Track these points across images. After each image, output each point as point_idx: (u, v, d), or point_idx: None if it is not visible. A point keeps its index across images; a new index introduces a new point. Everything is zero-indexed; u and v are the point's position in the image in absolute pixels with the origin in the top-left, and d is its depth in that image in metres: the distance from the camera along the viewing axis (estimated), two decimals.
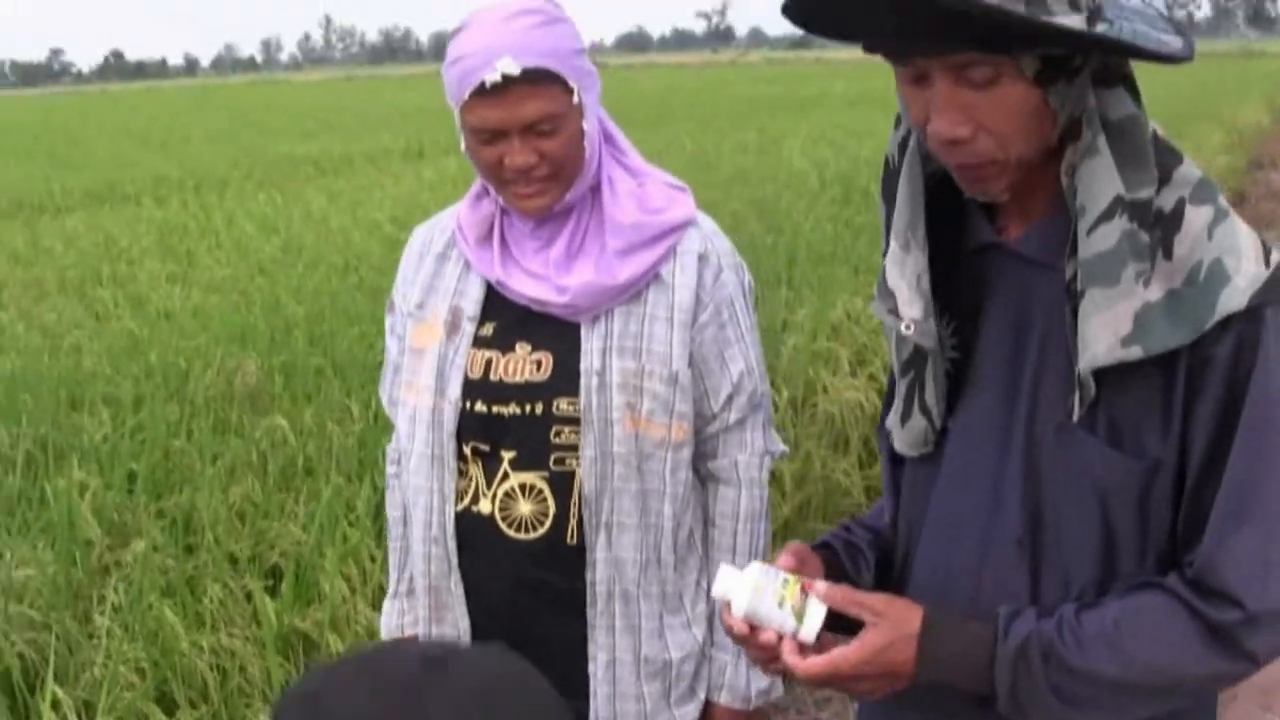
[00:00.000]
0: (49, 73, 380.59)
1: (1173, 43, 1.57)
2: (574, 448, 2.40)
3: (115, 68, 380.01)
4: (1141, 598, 1.64)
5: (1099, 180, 1.59)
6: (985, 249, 1.77)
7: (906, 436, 1.88)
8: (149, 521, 5.04)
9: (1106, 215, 1.58)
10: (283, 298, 9.65)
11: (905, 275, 1.76)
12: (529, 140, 2.28)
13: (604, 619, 2.47)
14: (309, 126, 36.17)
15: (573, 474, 2.40)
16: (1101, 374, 1.61)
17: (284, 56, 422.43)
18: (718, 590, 1.84)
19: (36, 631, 4.17)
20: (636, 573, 2.43)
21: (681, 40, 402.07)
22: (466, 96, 2.26)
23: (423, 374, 2.47)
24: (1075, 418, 1.65)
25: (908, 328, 1.75)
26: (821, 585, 1.77)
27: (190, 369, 7.38)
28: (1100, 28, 1.50)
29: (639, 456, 2.40)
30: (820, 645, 1.76)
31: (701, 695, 2.58)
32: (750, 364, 2.49)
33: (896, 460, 1.96)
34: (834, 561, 1.98)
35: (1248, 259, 1.58)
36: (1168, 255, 1.60)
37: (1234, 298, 1.56)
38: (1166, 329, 1.58)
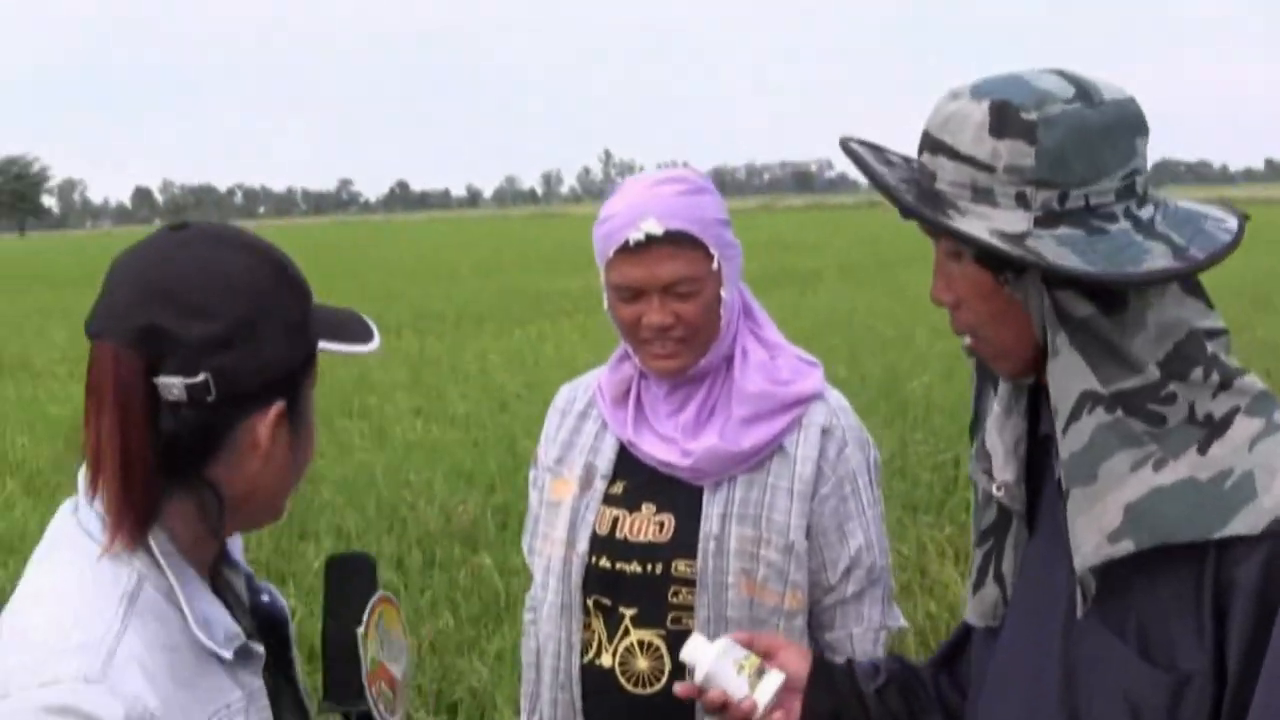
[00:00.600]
0: (338, 202, 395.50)
1: (1166, 258, 1.53)
2: (690, 608, 2.48)
3: (400, 198, 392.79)
4: None
5: (1063, 379, 1.58)
6: (1047, 439, 1.75)
7: (978, 606, 1.88)
8: None
9: (1074, 414, 1.58)
10: (518, 435, 9.93)
11: (1004, 439, 1.76)
12: (667, 301, 2.40)
13: None
14: (579, 261, 36.96)
15: (688, 633, 2.42)
16: (1129, 578, 1.60)
17: (564, 189, 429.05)
18: (685, 654, 2.01)
19: None
20: None
21: None
22: (611, 254, 2.40)
23: (558, 526, 2.60)
24: (1079, 614, 1.64)
25: (999, 489, 1.77)
26: (772, 673, 1.96)
27: (415, 503, 7.71)
28: (1056, 231, 1.52)
29: (753, 621, 2.46)
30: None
31: None
32: (870, 539, 2.54)
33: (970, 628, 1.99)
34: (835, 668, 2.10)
35: None
36: (1202, 452, 1.54)
37: (1252, 518, 1.51)
38: (1169, 522, 1.54)
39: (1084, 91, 1.53)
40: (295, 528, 7.24)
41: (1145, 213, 1.56)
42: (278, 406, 1.55)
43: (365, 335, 1.68)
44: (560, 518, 2.59)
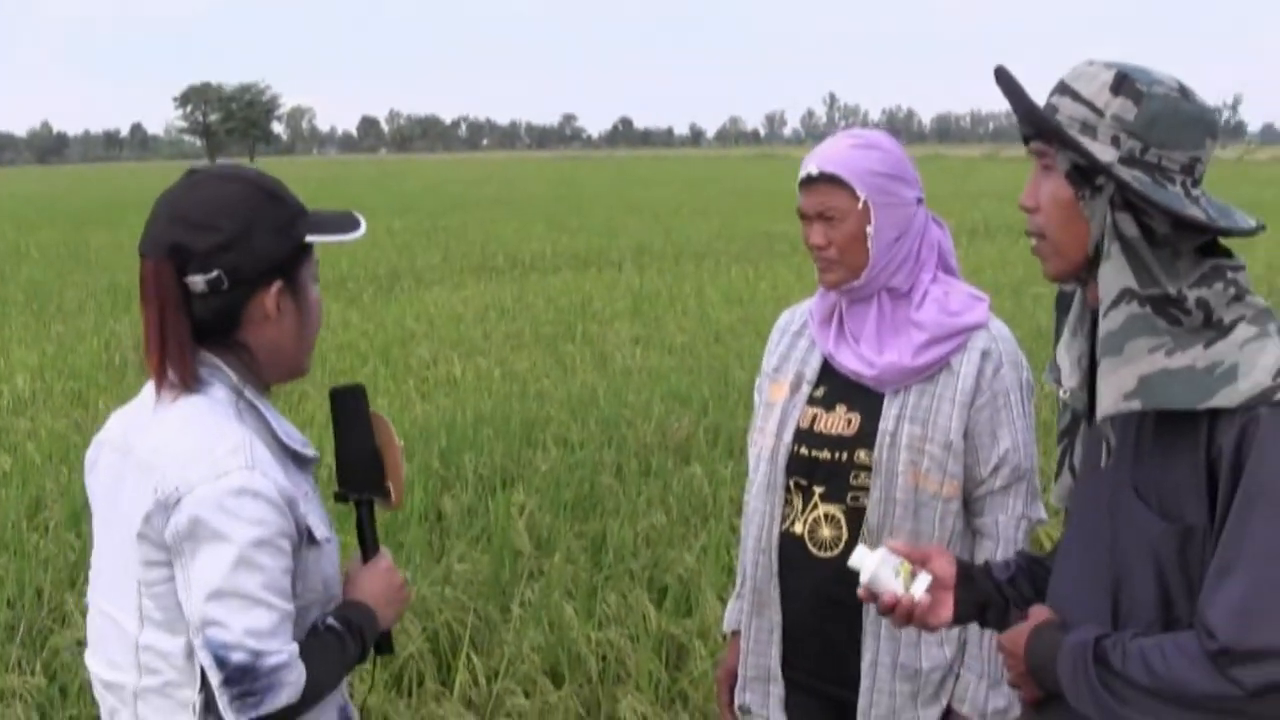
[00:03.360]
0: (561, 136, 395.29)
1: (1200, 215, 1.99)
2: (866, 489, 2.96)
3: (623, 134, 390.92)
4: (1180, 635, 1.97)
5: (1111, 276, 2.04)
6: None
7: (1059, 490, 2.40)
8: (570, 540, 5.96)
9: (1115, 302, 2.03)
10: (731, 365, 10.44)
11: (1070, 354, 2.21)
12: (821, 226, 2.95)
13: (873, 627, 3.01)
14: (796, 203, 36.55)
15: (863, 509, 2.96)
16: (1150, 450, 2.09)
17: (787, 131, 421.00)
18: (852, 561, 2.44)
19: (464, 612, 5.14)
20: None
21: None
22: (797, 188, 2.99)
23: (770, 421, 3.11)
24: (1102, 464, 2.17)
25: (1066, 392, 2.22)
26: (922, 575, 2.39)
27: (633, 420, 8.32)
28: (1133, 170, 2.00)
29: (915, 504, 2.94)
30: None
31: (944, 702, 3.05)
32: (1017, 443, 2.93)
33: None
34: (981, 572, 2.50)
35: (1260, 371, 1.94)
36: (1206, 348, 1.99)
37: (1230, 396, 1.94)
38: (1169, 394, 1.98)
39: (1184, 90, 2.05)
40: (524, 436, 7.88)
41: (1195, 191, 2.05)
42: (277, 285, 2.22)
43: (352, 227, 2.32)
44: (773, 414, 3.10)
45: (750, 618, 3.17)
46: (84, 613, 5.05)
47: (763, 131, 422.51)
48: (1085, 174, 2.07)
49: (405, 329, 13.04)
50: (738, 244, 22.78)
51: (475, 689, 4.67)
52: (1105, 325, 2.06)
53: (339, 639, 2.27)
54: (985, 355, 2.95)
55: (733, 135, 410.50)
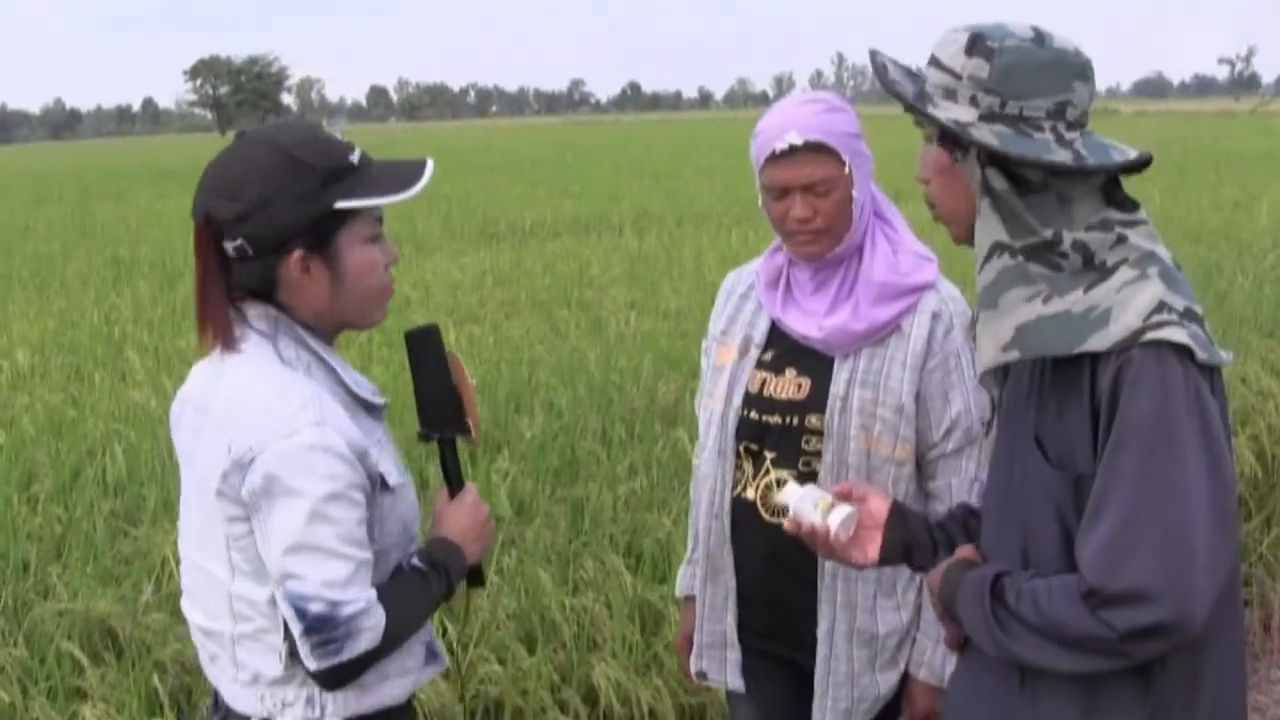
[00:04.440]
0: (570, 102, 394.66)
1: (1065, 158, 2.05)
2: (818, 454, 2.98)
3: (631, 99, 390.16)
4: (1067, 576, 2.05)
5: (982, 232, 2.14)
6: None
7: (989, 447, 2.43)
8: (551, 506, 5.99)
9: (987, 258, 2.13)
10: None
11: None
12: (807, 198, 2.90)
13: (829, 593, 3.03)
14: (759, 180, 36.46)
15: (815, 474, 2.98)
16: (1049, 405, 2.12)
17: (795, 92, 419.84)
18: (779, 497, 2.53)
19: None
20: None
21: (1203, 87, 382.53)
22: (762, 161, 2.93)
23: (720, 386, 3.13)
24: (994, 415, 2.28)
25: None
26: (843, 506, 2.45)
27: (622, 385, 8.34)
28: (993, 126, 2.07)
29: (868, 468, 2.96)
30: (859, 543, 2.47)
31: (902, 667, 3.09)
32: (968, 405, 2.96)
33: None
34: (909, 510, 2.56)
35: (1132, 313, 1.99)
36: (1085, 292, 2.05)
37: (1102, 339, 2.00)
38: (1043, 340, 2.05)
39: (1039, 37, 2.11)
40: (512, 403, 7.90)
41: (1070, 135, 2.11)
42: (296, 253, 2.28)
43: (403, 186, 2.35)
44: (722, 379, 3.12)
45: (704, 584, 3.21)
46: (68, 585, 5.16)
47: (771, 93, 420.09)
48: (952, 138, 2.14)
49: (401, 296, 13.00)
50: (739, 206, 22.57)
51: (450, 656, 4.68)
52: (980, 280, 2.15)
53: (422, 578, 2.39)
54: (936, 317, 2.96)
55: (741, 97, 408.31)
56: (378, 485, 2.31)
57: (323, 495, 2.19)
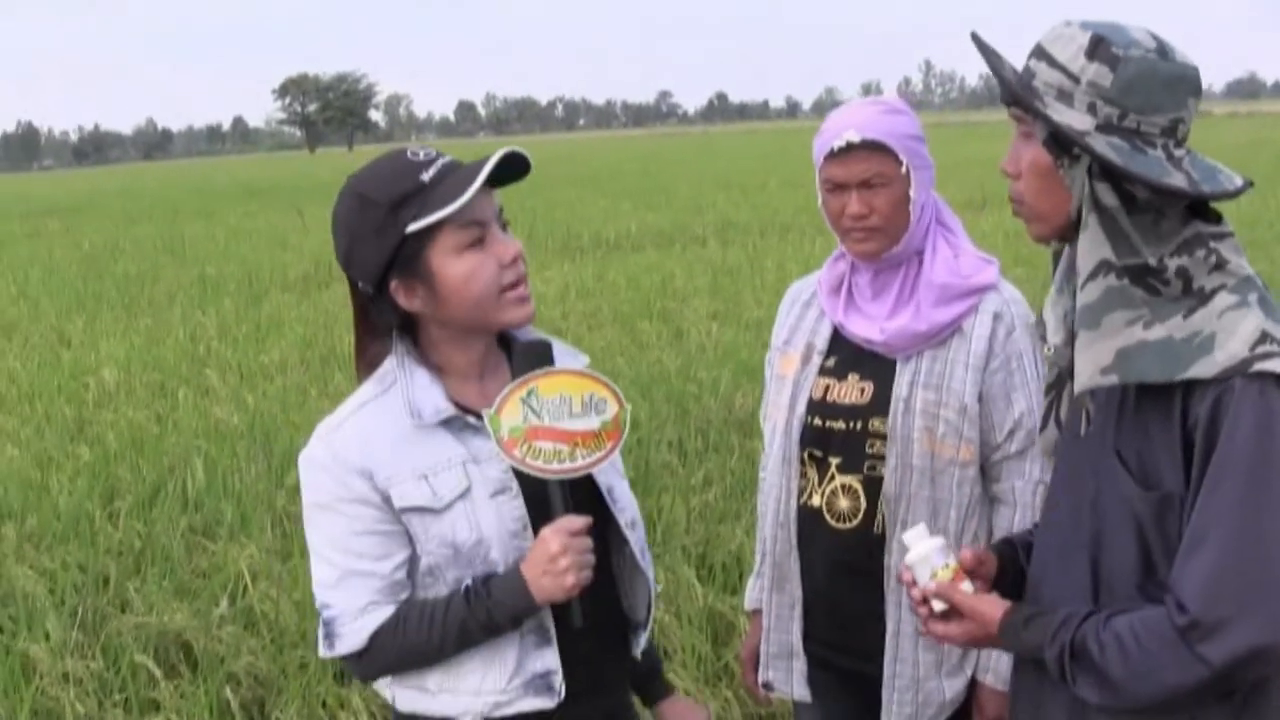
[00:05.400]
0: (657, 113, 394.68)
1: (1180, 181, 1.96)
2: (882, 458, 2.95)
3: (719, 109, 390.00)
4: (1149, 612, 2.00)
5: (1088, 248, 2.03)
6: None
7: (1044, 444, 2.39)
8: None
9: (1092, 275, 2.03)
10: None
11: (1055, 312, 2.21)
12: (863, 194, 2.89)
13: (895, 596, 2.99)
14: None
15: (880, 479, 2.95)
16: (1132, 422, 2.06)
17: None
18: (905, 537, 2.39)
19: None
20: None
21: None
22: (821, 160, 2.93)
23: (783, 395, 3.10)
24: (1082, 433, 2.18)
25: (1049, 350, 2.23)
26: (964, 584, 2.32)
27: (700, 396, 8.33)
28: (1110, 138, 1.98)
29: (933, 470, 2.92)
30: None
31: (969, 673, 3.04)
32: (1031, 406, 2.87)
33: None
34: (1012, 555, 2.49)
35: (1237, 341, 1.94)
36: (1185, 318, 1.99)
37: (1206, 367, 1.93)
38: (1146, 366, 1.98)
39: (1162, 49, 2.01)
40: None
41: (1179, 153, 2.02)
42: (394, 283, 2.33)
43: (457, 194, 2.30)
44: (785, 388, 3.09)
45: (770, 594, 3.18)
46: (145, 599, 5.23)
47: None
48: (1062, 142, 2.05)
49: None
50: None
51: None
52: (1083, 298, 2.07)
53: (455, 603, 2.39)
54: (997, 318, 2.93)
55: (828, 106, 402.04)
56: (389, 504, 2.34)
57: (311, 503, 2.38)
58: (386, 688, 2.50)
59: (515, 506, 2.42)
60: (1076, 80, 2.02)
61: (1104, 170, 2.02)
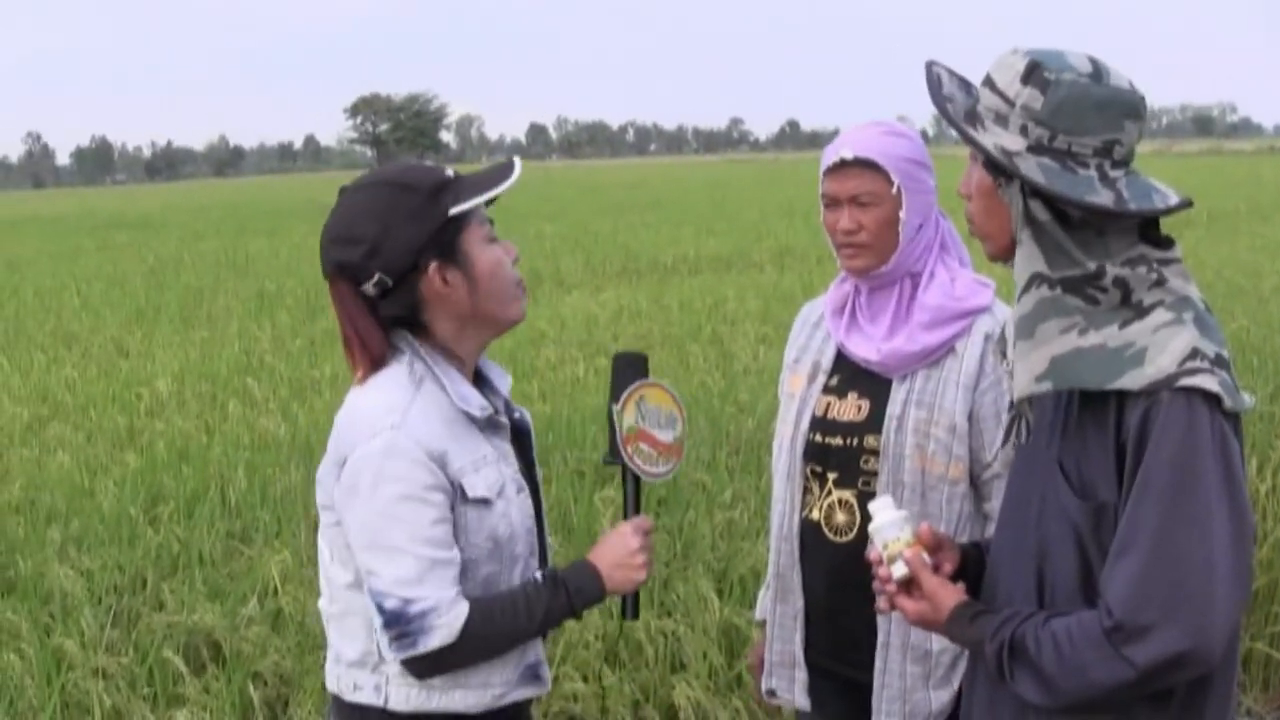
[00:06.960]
0: (728, 140, 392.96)
1: (1106, 200, 2.06)
2: (876, 474, 3.04)
3: (790, 136, 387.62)
4: (1086, 614, 2.09)
5: (1022, 262, 2.14)
6: None
7: (1003, 459, 2.53)
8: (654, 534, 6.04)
9: (1026, 288, 2.14)
10: None
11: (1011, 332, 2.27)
12: (853, 210, 3.00)
13: None
14: (950, 204, 36.17)
15: (874, 494, 3.02)
16: (1075, 434, 2.15)
17: (952, 131, 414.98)
18: (872, 506, 2.48)
19: None
20: None
21: None
22: (821, 175, 3.06)
23: (790, 412, 3.22)
24: (1023, 440, 2.28)
25: (1008, 365, 2.29)
26: (920, 555, 2.37)
27: (737, 416, 8.41)
28: (1040, 159, 2.08)
29: (923, 487, 3.01)
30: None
31: (955, 686, 3.08)
32: None
33: None
34: (977, 557, 2.55)
35: (1167, 356, 2.02)
36: (1121, 329, 2.08)
37: (1135, 379, 2.03)
38: (1077, 374, 2.08)
39: (1097, 73, 2.11)
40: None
41: (1115, 173, 2.12)
42: (433, 264, 2.41)
43: (501, 179, 2.49)
44: (792, 405, 3.21)
45: (775, 604, 3.27)
46: (178, 599, 5.37)
47: (930, 131, 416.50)
48: (997, 164, 2.15)
49: (535, 330, 13.22)
50: None
51: None
52: (1018, 310, 2.17)
53: (536, 592, 2.49)
54: (989, 338, 3.00)
55: None
56: (458, 494, 2.43)
57: (393, 496, 2.35)
58: (373, 688, 2.52)
59: (529, 504, 2.59)
60: (1011, 104, 2.13)
61: (1034, 189, 2.11)
